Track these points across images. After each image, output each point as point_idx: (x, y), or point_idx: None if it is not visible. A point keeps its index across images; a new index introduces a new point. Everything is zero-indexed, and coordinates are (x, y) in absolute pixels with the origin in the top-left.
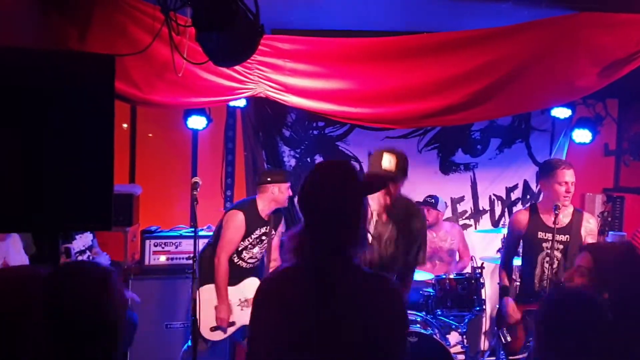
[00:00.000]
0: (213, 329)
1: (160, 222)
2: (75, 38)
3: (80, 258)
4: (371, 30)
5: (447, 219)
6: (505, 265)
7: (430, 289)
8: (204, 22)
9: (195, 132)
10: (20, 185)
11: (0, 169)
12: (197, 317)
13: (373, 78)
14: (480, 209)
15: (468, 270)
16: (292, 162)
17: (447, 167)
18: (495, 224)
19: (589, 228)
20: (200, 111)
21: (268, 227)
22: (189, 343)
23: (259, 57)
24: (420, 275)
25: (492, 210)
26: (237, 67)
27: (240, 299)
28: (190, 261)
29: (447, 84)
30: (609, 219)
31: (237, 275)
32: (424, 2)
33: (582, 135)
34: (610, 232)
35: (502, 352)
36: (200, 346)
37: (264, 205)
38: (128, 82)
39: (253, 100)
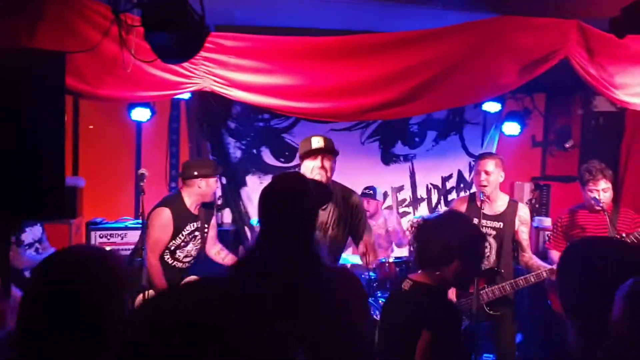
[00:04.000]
0: None
1: (105, 214)
2: (25, 34)
3: (29, 251)
4: (312, 28)
5: (388, 208)
6: None
7: (371, 273)
8: (153, 23)
9: (139, 124)
10: None
11: None
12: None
13: (315, 74)
14: (419, 197)
15: (406, 253)
16: (238, 153)
17: (388, 158)
18: (432, 211)
19: (523, 218)
20: (144, 103)
21: (200, 222)
22: None
23: (204, 54)
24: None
25: (429, 199)
26: (184, 63)
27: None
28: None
29: (384, 81)
30: (537, 205)
31: (174, 277)
32: (363, 3)
33: (511, 128)
34: (537, 217)
35: None
36: None
37: (191, 200)
38: (77, 77)
39: (198, 93)
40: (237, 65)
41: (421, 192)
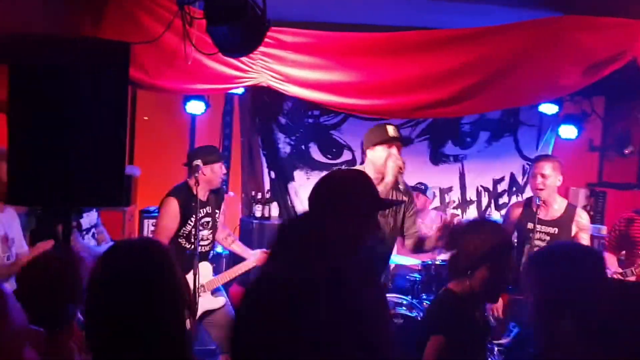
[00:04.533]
0: None
1: (158, 203)
2: (90, 25)
3: (86, 236)
4: (368, 24)
5: (436, 209)
6: None
7: (416, 275)
8: (215, 15)
9: (193, 116)
10: (45, 162)
11: (26, 147)
12: (195, 290)
13: (370, 71)
14: (468, 199)
15: None
16: (287, 149)
17: (437, 158)
18: (482, 214)
19: (582, 224)
20: (199, 96)
21: (210, 208)
22: None
23: (262, 48)
24: (407, 261)
25: (479, 201)
26: (242, 58)
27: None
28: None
29: (439, 79)
30: (592, 212)
31: (187, 261)
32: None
33: (568, 131)
34: (592, 225)
35: None
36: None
37: (197, 187)
38: (138, 68)
39: (251, 88)
40: (294, 61)
41: (471, 194)
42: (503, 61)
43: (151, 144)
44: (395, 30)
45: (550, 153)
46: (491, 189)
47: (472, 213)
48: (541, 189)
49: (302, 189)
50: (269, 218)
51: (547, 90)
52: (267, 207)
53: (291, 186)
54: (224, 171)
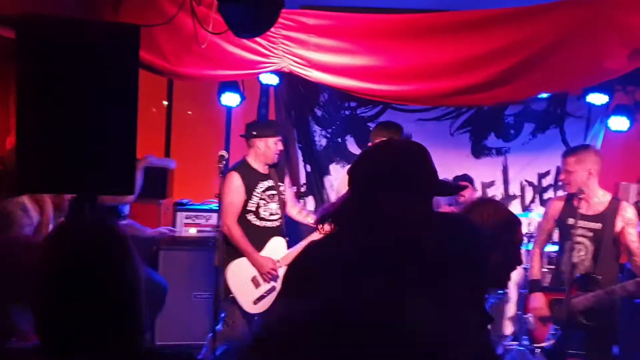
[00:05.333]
0: (257, 301)
1: (193, 196)
2: (110, 9)
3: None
4: (397, 8)
5: None
6: (537, 252)
7: None
8: None
9: (229, 109)
10: (54, 148)
11: (34, 133)
12: (222, 291)
13: (397, 55)
14: (511, 194)
15: None
16: (323, 142)
17: (479, 150)
18: (526, 209)
19: (627, 217)
20: (233, 88)
21: (272, 181)
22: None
23: (284, 32)
24: None
25: (522, 196)
26: (262, 41)
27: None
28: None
29: (472, 63)
30: None
31: (265, 237)
32: None
33: (618, 123)
34: None
35: (525, 338)
36: (237, 323)
37: (255, 159)
38: (157, 53)
39: (286, 79)
40: (317, 44)
41: (514, 189)
42: (542, 43)
43: (187, 137)
44: (423, 13)
45: (598, 146)
46: (536, 183)
47: (515, 209)
48: (567, 184)
49: (338, 182)
50: None
51: (592, 73)
52: (302, 201)
53: (327, 180)
54: (280, 147)
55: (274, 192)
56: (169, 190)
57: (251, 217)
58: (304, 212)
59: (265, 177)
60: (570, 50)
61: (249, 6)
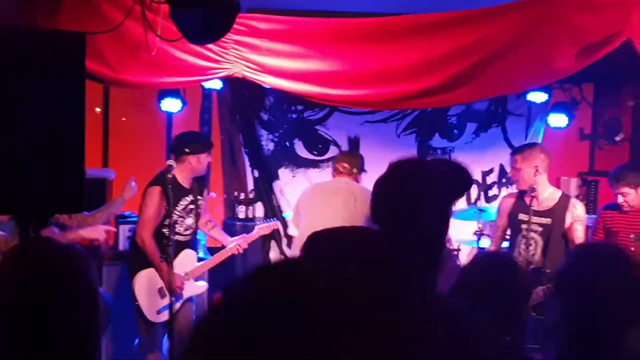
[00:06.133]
0: (160, 311)
1: (135, 207)
2: (42, 14)
3: None
4: (351, 12)
5: None
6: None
7: None
8: None
9: (169, 115)
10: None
11: None
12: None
13: (352, 59)
14: None
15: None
16: (271, 146)
17: (425, 151)
18: (471, 206)
19: (576, 214)
20: (174, 93)
21: (193, 195)
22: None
23: (235, 37)
24: None
25: (468, 194)
26: (213, 47)
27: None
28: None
29: (425, 67)
30: (584, 202)
31: (176, 250)
32: None
33: (557, 120)
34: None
35: None
36: (144, 333)
37: (183, 175)
38: (100, 61)
39: (229, 83)
40: (270, 49)
41: None
42: (494, 45)
43: (126, 146)
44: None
45: (539, 142)
46: (480, 181)
47: (461, 206)
48: (516, 181)
49: (287, 187)
50: (253, 219)
51: (543, 74)
52: (250, 208)
53: (276, 185)
54: (210, 159)
55: (192, 206)
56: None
57: (165, 231)
58: (210, 224)
59: (188, 192)
60: (521, 51)
61: (203, 11)
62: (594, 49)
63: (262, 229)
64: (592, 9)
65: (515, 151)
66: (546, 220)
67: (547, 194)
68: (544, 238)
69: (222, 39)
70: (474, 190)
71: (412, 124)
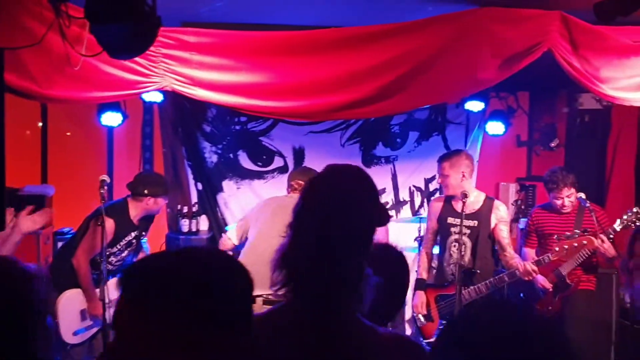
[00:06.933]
0: (76, 333)
1: (75, 223)
2: None
3: None
4: (281, 25)
5: None
6: (424, 252)
7: None
8: (96, 14)
9: (110, 129)
10: None
11: None
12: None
13: (283, 72)
14: (401, 199)
15: None
16: (214, 158)
17: (369, 160)
18: (415, 214)
19: (500, 215)
20: (115, 107)
21: (138, 231)
22: None
23: (164, 50)
24: None
25: (412, 201)
26: (142, 60)
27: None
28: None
29: (356, 78)
30: (522, 207)
31: (100, 278)
32: None
33: (495, 127)
34: (522, 219)
35: (419, 336)
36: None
37: (137, 212)
38: (26, 76)
39: (171, 95)
40: (200, 62)
41: (403, 195)
42: (421, 57)
43: (65, 161)
44: (309, 30)
45: (478, 150)
46: (423, 188)
47: (405, 213)
48: (445, 187)
49: (232, 199)
50: (197, 232)
51: (468, 84)
52: (194, 221)
53: (220, 197)
54: (166, 201)
55: (134, 241)
56: None
57: (98, 258)
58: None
59: (135, 229)
60: (446, 62)
61: (122, 26)
62: (517, 60)
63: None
64: (513, 22)
65: (443, 159)
66: (473, 223)
67: (473, 198)
68: (473, 240)
69: (151, 53)
70: (417, 198)
71: (356, 134)
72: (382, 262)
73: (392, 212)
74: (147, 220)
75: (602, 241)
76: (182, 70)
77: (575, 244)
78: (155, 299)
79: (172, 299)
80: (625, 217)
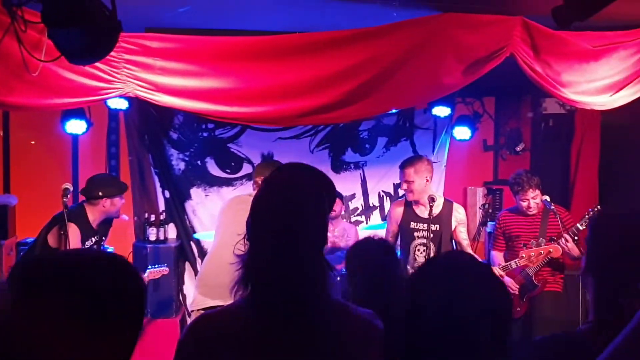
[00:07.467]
0: None
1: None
2: None
3: None
4: (246, 30)
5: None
6: None
7: None
8: (53, 18)
9: (75, 136)
10: None
11: None
12: None
13: (247, 77)
14: (371, 205)
15: None
16: (182, 165)
17: (339, 166)
18: (385, 219)
19: (459, 218)
20: (79, 114)
21: (98, 236)
22: None
23: (126, 56)
24: None
25: (381, 206)
26: (103, 66)
27: None
28: None
29: (321, 83)
30: (490, 210)
31: None
32: (299, 3)
33: (462, 132)
34: (490, 223)
35: None
36: None
37: (95, 216)
38: None
39: (136, 102)
40: (163, 68)
41: (373, 200)
42: (385, 62)
43: (28, 169)
44: (274, 35)
45: (445, 155)
46: (392, 193)
47: (375, 219)
48: (410, 192)
49: (200, 206)
50: (165, 241)
51: (432, 89)
52: (162, 230)
53: (188, 205)
54: (123, 201)
55: (95, 247)
56: (11, 230)
57: None
58: None
59: (95, 233)
60: (410, 68)
61: (81, 31)
62: (480, 65)
63: (152, 273)
64: (476, 27)
65: (406, 165)
66: (435, 227)
67: (436, 202)
68: (436, 243)
69: (113, 59)
70: (387, 203)
71: (325, 140)
72: (368, 255)
73: (362, 218)
74: (106, 224)
75: (567, 240)
76: (145, 76)
77: (542, 252)
78: (38, 297)
79: (54, 298)
80: (588, 216)
